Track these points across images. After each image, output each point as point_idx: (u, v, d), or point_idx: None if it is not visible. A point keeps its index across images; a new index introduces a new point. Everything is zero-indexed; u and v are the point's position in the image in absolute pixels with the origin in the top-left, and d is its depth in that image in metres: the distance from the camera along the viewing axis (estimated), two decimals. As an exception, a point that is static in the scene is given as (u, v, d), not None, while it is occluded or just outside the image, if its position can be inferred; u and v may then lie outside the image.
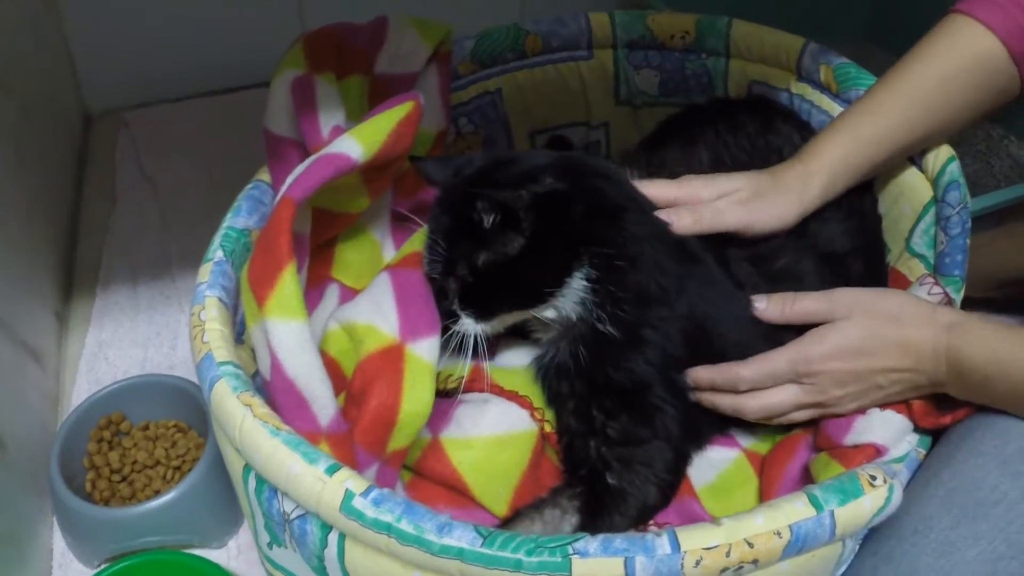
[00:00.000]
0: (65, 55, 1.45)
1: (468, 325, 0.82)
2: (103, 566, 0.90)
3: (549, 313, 0.83)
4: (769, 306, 0.82)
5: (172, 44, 1.49)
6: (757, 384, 0.81)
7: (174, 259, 1.28)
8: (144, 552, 0.91)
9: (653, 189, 0.86)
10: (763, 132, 0.96)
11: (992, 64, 0.85)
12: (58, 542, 0.99)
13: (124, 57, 1.48)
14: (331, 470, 0.65)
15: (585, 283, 0.80)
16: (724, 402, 0.83)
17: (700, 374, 0.83)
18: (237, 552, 0.97)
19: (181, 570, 0.87)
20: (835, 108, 1.00)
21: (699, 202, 0.85)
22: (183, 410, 1.02)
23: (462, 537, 0.62)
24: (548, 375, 0.87)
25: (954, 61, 0.86)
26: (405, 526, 0.62)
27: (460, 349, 0.83)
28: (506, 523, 0.80)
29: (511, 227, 0.79)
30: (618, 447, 0.82)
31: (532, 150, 0.88)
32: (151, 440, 1.02)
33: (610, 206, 0.82)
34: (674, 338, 0.82)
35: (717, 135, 0.97)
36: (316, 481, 0.64)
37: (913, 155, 0.92)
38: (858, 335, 0.78)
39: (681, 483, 0.86)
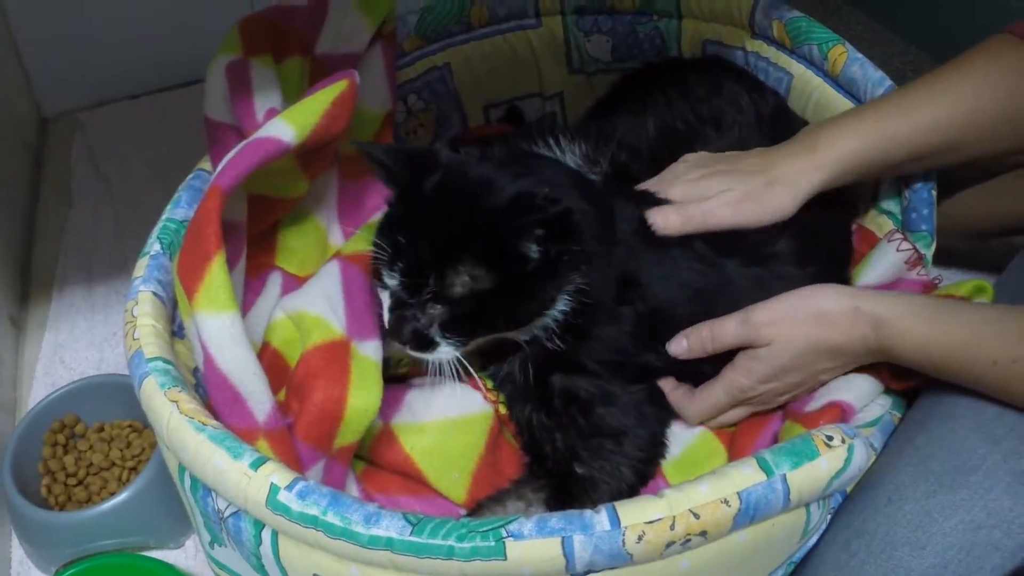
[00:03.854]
0: (15, 59, 1.43)
1: (447, 353, 0.76)
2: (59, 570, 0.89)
3: (524, 336, 0.79)
4: (690, 345, 0.80)
5: (124, 42, 1.47)
6: (703, 419, 0.84)
7: (129, 258, 1.25)
8: (98, 556, 0.89)
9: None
10: (710, 95, 0.93)
11: None
12: (16, 550, 0.97)
13: (76, 58, 1.46)
14: (256, 464, 0.63)
15: (564, 309, 0.77)
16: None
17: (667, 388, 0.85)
18: (195, 551, 0.95)
19: (135, 573, 0.85)
20: (792, 64, 0.97)
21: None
22: (138, 409, 0.99)
23: (390, 526, 0.59)
24: (505, 381, 0.84)
25: (991, 77, 0.79)
26: (332, 518, 0.59)
27: (439, 373, 0.78)
28: (468, 516, 0.77)
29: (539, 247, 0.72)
30: (587, 438, 0.79)
31: (488, 158, 0.81)
32: (106, 441, 1.00)
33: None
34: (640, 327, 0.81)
35: (668, 102, 0.94)
36: (241, 476, 0.62)
37: (918, 170, 0.86)
38: (786, 357, 0.76)
39: (659, 460, 0.83)
